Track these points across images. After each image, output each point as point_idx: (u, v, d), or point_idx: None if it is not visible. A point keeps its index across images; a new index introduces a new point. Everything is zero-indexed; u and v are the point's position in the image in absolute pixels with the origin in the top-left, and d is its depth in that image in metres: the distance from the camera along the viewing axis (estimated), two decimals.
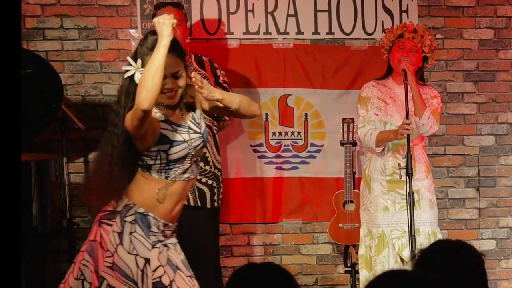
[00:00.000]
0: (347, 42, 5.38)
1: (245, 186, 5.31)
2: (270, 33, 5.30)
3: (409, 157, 4.10)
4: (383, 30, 5.27)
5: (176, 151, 3.18)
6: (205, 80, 3.23)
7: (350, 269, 5.11)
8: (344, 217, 5.05)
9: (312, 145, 5.39)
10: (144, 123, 3.05)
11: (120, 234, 3.19)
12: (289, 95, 5.35)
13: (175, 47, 3.13)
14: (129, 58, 3.18)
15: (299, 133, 5.37)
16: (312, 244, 5.50)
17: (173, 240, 3.35)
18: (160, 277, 3.18)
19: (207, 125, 3.42)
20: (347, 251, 5.14)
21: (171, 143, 3.17)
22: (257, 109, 3.36)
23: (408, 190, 4.05)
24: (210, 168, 4.60)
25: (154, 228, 3.22)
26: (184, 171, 3.23)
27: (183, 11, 4.67)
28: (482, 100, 5.53)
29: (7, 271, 2.70)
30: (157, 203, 3.21)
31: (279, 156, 5.36)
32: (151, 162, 3.20)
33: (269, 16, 5.29)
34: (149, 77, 2.99)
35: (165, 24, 3.02)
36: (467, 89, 5.49)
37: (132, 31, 5.19)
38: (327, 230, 5.15)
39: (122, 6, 5.21)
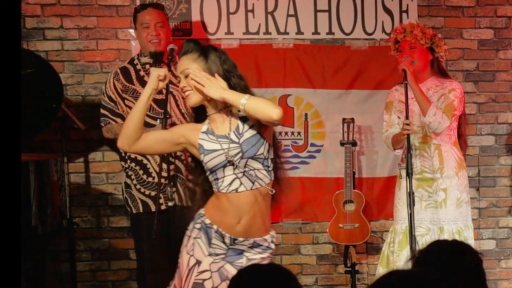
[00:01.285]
0: (347, 42, 5.39)
1: None
2: (270, 33, 5.31)
3: (409, 157, 4.10)
4: (383, 31, 5.31)
5: (209, 159, 3.21)
6: (213, 77, 3.17)
7: (350, 269, 5.12)
8: (344, 217, 5.07)
9: (312, 145, 5.39)
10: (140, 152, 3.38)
11: (189, 238, 3.34)
12: (289, 95, 5.35)
13: (188, 50, 3.24)
14: None
15: (299, 133, 5.37)
16: (312, 244, 5.50)
17: (254, 256, 3.31)
18: (203, 280, 3.27)
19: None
20: (347, 251, 5.16)
21: (204, 152, 3.22)
22: (274, 113, 3.06)
23: (408, 190, 4.05)
24: (153, 179, 4.51)
25: (215, 241, 3.28)
26: (230, 183, 3.22)
27: (164, 11, 4.63)
28: (482, 100, 5.54)
29: (7, 271, 2.70)
30: (220, 216, 3.26)
31: None
32: (206, 172, 3.31)
33: (269, 16, 5.30)
34: (127, 118, 3.32)
35: (152, 75, 3.25)
36: (467, 89, 5.48)
37: (132, 31, 5.17)
38: (327, 230, 5.17)
39: (122, 6, 5.21)
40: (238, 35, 5.26)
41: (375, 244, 5.44)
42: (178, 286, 3.34)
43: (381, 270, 4.53)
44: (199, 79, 3.14)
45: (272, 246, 3.37)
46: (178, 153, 4.39)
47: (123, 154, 4.61)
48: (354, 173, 5.13)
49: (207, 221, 3.29)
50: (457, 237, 4.32)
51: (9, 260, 2.72)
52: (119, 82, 4.52)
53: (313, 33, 5.34)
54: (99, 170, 5.24)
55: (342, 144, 5.09)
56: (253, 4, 5.27)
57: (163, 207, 4.24)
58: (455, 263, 2.28)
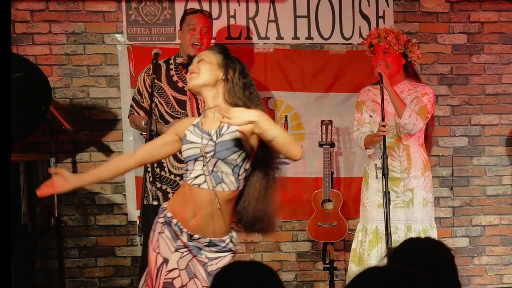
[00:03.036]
0: (325, 46, 5.43)
1: None
2: (251, 38, 5.37)
3: (384, 158, 4.16)
4: (360, 36, 5.38)
5: (185, 149, 3.25)
6: (233, 108, 3.11)
7: (328, 265, 5.18)
8: (323, 216, 5.12)
9: None
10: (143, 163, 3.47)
11: (153, 232, 3.34)
12: (270, 97, 5.40)
13: (214, 48, 3.36)
14: None
15: None
16: (292, 241, 5.55)
17: (213, 254, 3.27)
18: (172, 278, 3.25)
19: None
20: (325, 249, 5.21)
21: (184, 141, 3.27)
22: (297, 153, 3.07)
23: (384, 190, 4.11)
24: (165, 173, 4.57)
25: (179, 235, 3.26)
26: (196, 177, 3.21)
27: (211, 20, 4.72)
28: (455, 102, 5.59)
29: None
30: (180, 207, 3.26)
31: None
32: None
33: (250, 22, 5.37)
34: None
35: None
36: (442, 92, 5.54)
37: (118, 36, 5.26)
38: (306, 228, 5.21)
39: (108, 12, 5.27)
40: (220, 40, 5.30)
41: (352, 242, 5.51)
42: (150, 284, 3.32)
43: (354, 268, 4.55)
44: (224, 112, 3.02)
45: (231, 246, 3.30)
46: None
47: None
48: (332, 173, 5.18)
49: (169, 214, 3.27)
50: (423, 236, 4.36)
51: None
52: (149, 77, 4.56)
53: (292, 38, 5.40)
54: (87, 170, 5.19)
55: (320, 145, 5.13)
56: (235, 10, 5.33)
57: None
58: (428, 260, 2.29)
